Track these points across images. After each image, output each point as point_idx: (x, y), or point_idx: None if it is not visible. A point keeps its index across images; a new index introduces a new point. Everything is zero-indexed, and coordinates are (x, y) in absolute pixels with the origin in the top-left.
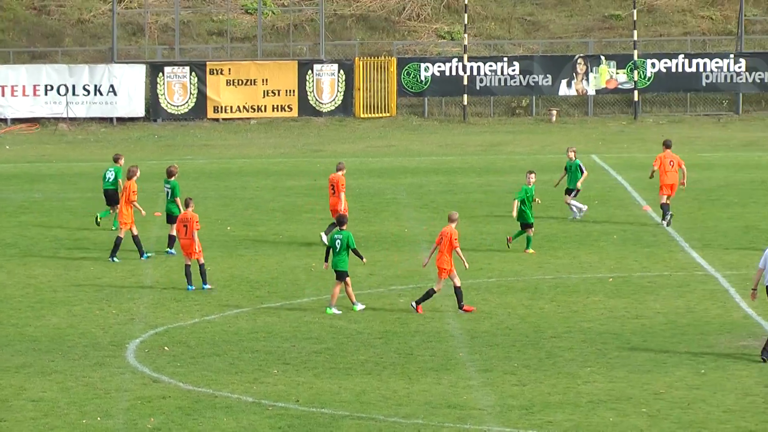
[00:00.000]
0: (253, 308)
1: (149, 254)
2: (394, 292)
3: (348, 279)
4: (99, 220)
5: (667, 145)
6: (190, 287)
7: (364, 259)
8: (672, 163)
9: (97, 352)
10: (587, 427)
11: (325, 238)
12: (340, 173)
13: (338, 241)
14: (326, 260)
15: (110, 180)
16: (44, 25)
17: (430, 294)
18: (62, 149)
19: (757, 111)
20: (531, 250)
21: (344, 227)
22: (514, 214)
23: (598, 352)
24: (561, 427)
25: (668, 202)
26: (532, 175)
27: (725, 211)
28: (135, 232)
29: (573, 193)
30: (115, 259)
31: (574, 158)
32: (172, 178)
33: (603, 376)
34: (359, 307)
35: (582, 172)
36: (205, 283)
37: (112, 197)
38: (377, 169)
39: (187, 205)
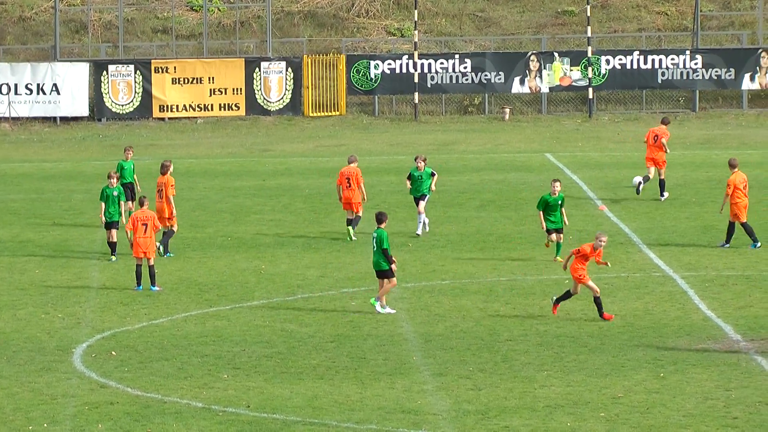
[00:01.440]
0: (201, 311)
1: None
2: (345, 295)
3: (394, 279)
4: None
5: (663, 121)
6: (138, 287)
7: (394, 265)
8: (656, 137)
9: (42, 357)
10: None
11: (352, 232)
12: (354, 165)
13: (374, 239)
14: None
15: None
16: None
17: (568, 295)
18: (4, 149)
19: (714, 108)
20: (559, 258)
21: (382, 225)
22: (544, 226)
23: (555, 356)
24: None
25: (657, 177)
26: (557, 184)
27: (683, 210)
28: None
29: (425, 199)
30: (170, 254)
31: (423, 167)
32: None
33: (560, 380)
34: (380, 307)
35: (433, 175)
36: (153, 284)
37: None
38: (327, 169)
39: (141, 204)
